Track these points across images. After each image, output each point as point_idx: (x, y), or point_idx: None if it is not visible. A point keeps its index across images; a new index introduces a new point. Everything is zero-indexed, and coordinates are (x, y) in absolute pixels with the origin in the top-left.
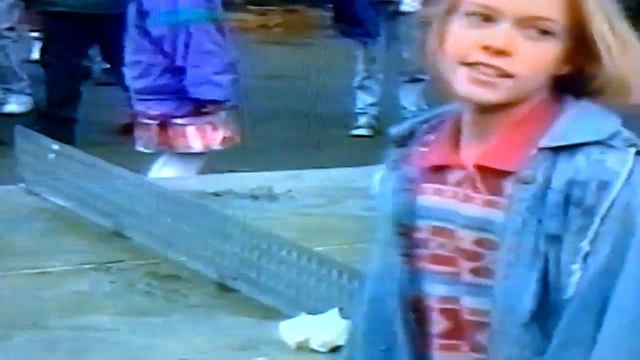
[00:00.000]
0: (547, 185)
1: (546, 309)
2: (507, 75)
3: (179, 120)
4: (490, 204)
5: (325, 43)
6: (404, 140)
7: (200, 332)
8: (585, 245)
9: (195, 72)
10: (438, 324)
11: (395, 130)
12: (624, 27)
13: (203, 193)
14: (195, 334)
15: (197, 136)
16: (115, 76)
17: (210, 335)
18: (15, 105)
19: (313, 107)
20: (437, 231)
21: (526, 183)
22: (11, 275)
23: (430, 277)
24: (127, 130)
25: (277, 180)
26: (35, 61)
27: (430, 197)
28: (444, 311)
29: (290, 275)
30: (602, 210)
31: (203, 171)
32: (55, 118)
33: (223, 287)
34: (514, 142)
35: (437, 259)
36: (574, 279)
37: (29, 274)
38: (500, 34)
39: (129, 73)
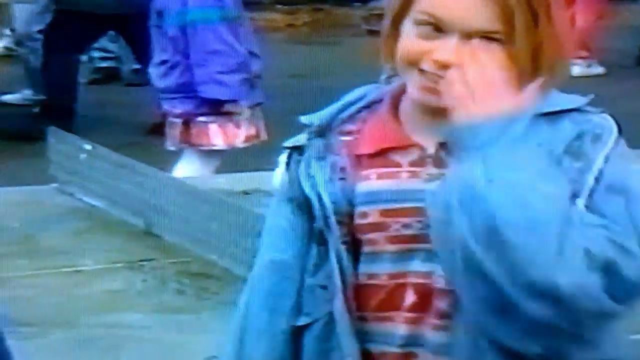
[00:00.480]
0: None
1: None
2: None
3: (201, 118)
4: None
5: (353, 41)
6: (323, 130)
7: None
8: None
9: (201, 71)
10: (407, 299)
11: (310, 120)
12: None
13: (232, 191)
14: (225, 331)
15: (219, 134)
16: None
17: None
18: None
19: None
20: (397, 212)
21: None
22: (45, 274)
23: (390, 257)
24: (157, 129)
25: None
26: None
27: (376, 181)
28: (412, 286)
29: None
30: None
31: (232, 170)
32: (55, 109)
33: None
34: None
35: (400, 239)
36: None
37: (62, 272)
38: (447, 47)
39: (154, 72)
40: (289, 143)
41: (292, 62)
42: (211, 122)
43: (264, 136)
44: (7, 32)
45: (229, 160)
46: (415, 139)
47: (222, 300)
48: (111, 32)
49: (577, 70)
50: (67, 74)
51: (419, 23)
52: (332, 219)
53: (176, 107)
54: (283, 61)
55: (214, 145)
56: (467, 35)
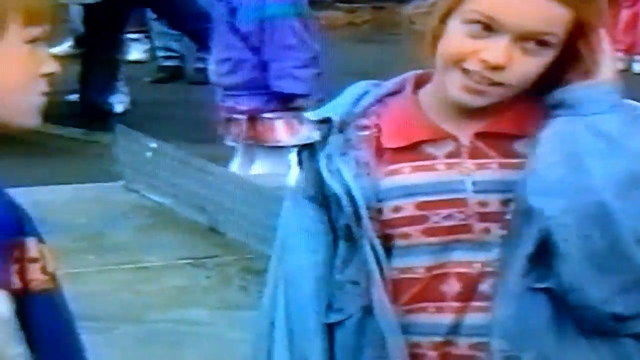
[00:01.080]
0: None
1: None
2: (498, 84)
3: (267, 115)
4: (506, 165)
5: (414, 40)
6: (342, 127)
7: None
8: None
9: (277, 65)
10: (451, 289)
11: (333, 117)
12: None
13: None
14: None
15: (285, 130)
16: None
17: None
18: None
19: None
20: (436, 204)
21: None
22: (111, 270)
23: (428, 249)
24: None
25: None
26: (134, 61)
27: (410, 175)
28: (458, 275)
29: None
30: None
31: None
32: (92, 105)
33: None
34: (519, 111)
35: (440, 230)
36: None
37: (128, 269)
38: (499, 49)
39: (218, 69)
40: (301, 141)
41: (352, 60)
42: (277, 118)
43: None
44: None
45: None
46: (449, 132)
47: None
48: (175, 32)
49: (638, 67)
50: (105, 72)
51: (468, 21)
52: (365, 214)
53: (241, 104)
54: (343, 59)
55: (280, 142)
56: (519, 38)
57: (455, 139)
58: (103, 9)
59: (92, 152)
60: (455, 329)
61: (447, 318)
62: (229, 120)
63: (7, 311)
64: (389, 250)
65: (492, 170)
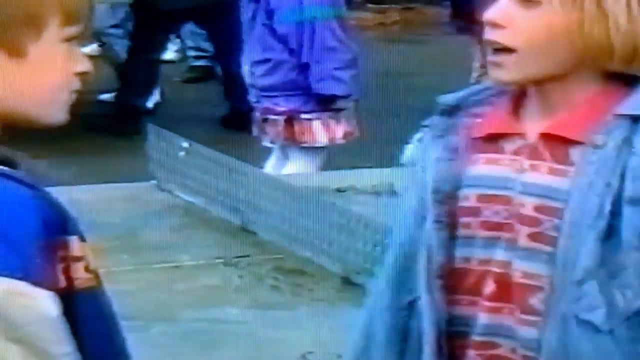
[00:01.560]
0: (624, 150)
1: (610, 269)
2: (507, 50)
3: (305, 115)
4: (555, 171)
5: (442, 40)
6: (451, 111)
7: (325, 325)
8: None
9: (318, 67)
10: (486, 287)
11: (444, 99)
12: None
13: (326, 189)
14: (320, 327)
15: (322, 130)
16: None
17: (335, 329)
18: None
19: (431, 103)
20: (490, 198)
21: (596, 147)
22: (145, 269)
23: (479, 242)
24: (229, 122)
25: (397, 176)
26: (165, 61)
27: (482, 166)
28: (494, 274)
29: None
30: None
31: (326, 167)
32: (128, 107)
33: (347, 282)
34: (584, 115)
35: (490, 226)
36: None
37: (162, 268)
38: (496, 6)
39: (255, 71)
40: (427, 122)
41: (382, 61)
42: (315, 118)
43: (357, 133)
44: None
45: (326, 158)
46: (523, 128)
47: (317, 296)
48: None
49: None
50: (145, 74)
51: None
52: (430, 197)
53: (279, 105)
54: (374, 59)
55: (317, 142)
56: None
57: (523, 136)
58: (152, 13)
59: (124, 151)
60: (493, 331)
61: (480, 316)
62: (266, 120)
63: (55, 310)
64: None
65: (540, 174)
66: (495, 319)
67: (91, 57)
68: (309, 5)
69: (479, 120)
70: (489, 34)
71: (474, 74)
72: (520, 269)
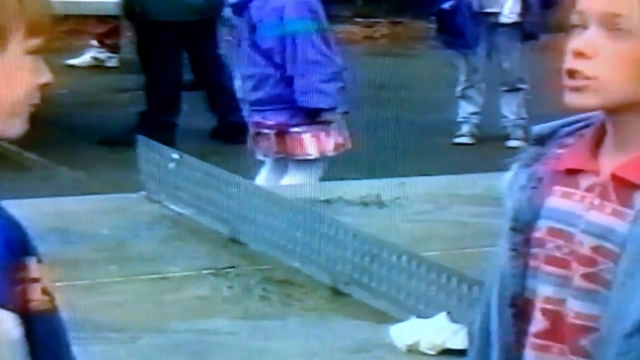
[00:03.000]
0: None
1: None
2: (588, 78)
3: (295, 129)
4: (617, 214)
5: (429, 54)
6: (543, 140)
7: (315, 335)
8: None
9: (302, 81)
10: (537, 323)
11: (537, 128)
12: None
13: (315, 200)
14: (309, 337)
15: (312, 143)
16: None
17: (324, 338)
18: None
19: (417, 116)
20: (556, 233)
21: None
22: (135, 280)
23: (541, 276)
24: (218, 134)
25: (385, 187)
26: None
27: (557, 199)
28: (546, 311)
29: (401, 280)
30: None
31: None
32: (155, 123)
33: (336, 292)
34: None
35: (551, 260)
36: None
37: (151, 279)
38: (582, 37)
39: (243, 86)
40: (520, 151)
41: (370, 74)
42: (305, 132)
43: (348, 145)
44: (94, 42)
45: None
46: (598, 165)
47: (306, 307)
48: None
49: None
50: (167, 88)
51: (575, 26)
52: (508, 224)
53: (268, 119)
54: (362, 73)
55: (308, 155)
56: (602, 22)
57: (597, 174)
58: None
59: (114, 163)
60: None
61: (529, 354)
62: (258, 134)
63: (17, 333)
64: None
65: (604, 214)
66: (543, 357)
67: (82, 68)
68: (290, 20)
69: (564, 150)
70: (572, 63)
71: (459, 87)
72: (574, 308)
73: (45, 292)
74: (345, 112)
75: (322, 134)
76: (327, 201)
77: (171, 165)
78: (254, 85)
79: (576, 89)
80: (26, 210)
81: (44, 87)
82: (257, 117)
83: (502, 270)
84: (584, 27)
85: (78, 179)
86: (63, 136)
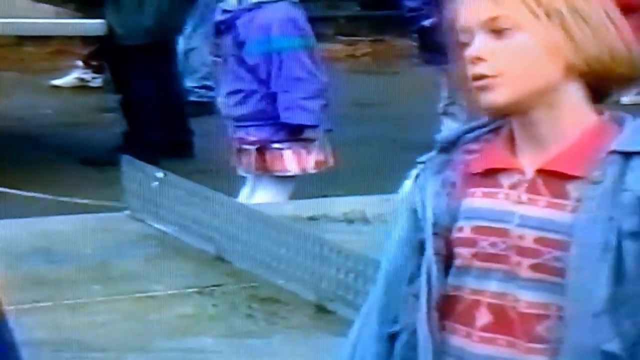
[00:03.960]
0: (619, 186)
1: (617, 300)
2: (494, 76)
3: (276, 145)
4: (553, 205)
5: (411, 71)
6: (448, 147)
7: (300, 352)
8: None
9: (285, 97)
10: (482, 317)
11: (441, 136)
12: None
13: (299, 217)
14: (295, 354)
15: (293, 160)
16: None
17: (309, 356)
18: None
19: (400, 133)
20: (486, 230)
21: (595, 183)
22: (118, 299)
23: (476, 273)
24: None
25: (369, 204)
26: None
27: (478, 199)
28: (490, 305)
29: None
30: None
31: (298, 196)
32: (139, 142)
33: (321, 309)
34: (581, 150)
35: (486, 257)
36: None
37: (134, 298)
38: (474, 45)
39: (227, 102)
40: (422, 158)
41: (353, 91)
42: (286, 148)
43: (331, 162)
44: (79, 63)
45: (297, 187)
46: (520, 163)
47: (291, 324)
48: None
49: (626, 98)
50: (143, 107)
51: (463, 44)
52: (429, 231)
53: (251, 135)
54: (344, 90)
55: (288, 171)
56: (484, 29)
57: (521, 171)
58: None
59: (98, 182)
60: None
61: (475, 347)
62: (240, 151)
63: None
64: (450, 268)
65: (538, 207)
66: (488, 349)
67: (66, 89)
68: (277, 37)
69: (476, 156)
70: (474, 69)
71: (441, 104)
72: (525, 298)
73: None
74: (328, 129)
75: (304, 151)
76: (312, 218)
77: (155, 184)
78: (238, 101)
79: (486, 88)
80: (10, 230)
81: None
82: (240, 133)
83: (428, 275)
84: (472, 39)
85: (62, 198)
86: (47, 155)
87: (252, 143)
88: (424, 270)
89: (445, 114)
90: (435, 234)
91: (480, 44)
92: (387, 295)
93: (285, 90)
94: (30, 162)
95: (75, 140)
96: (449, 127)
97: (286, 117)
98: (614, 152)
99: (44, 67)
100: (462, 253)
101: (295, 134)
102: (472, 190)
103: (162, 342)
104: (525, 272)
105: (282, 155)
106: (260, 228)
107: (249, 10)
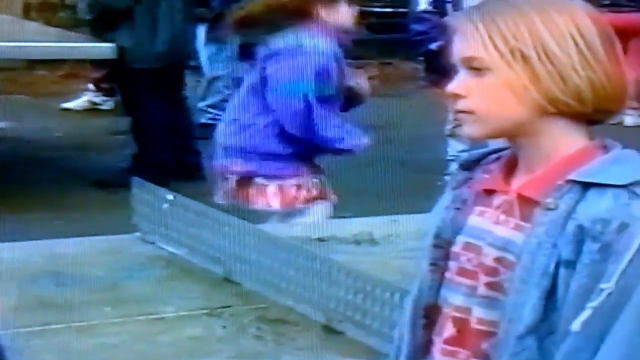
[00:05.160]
0: (569, 214)
1: (550, 327)
2: (469, 112)
3: (260, 180)
4: (519, 228)
5: (419, 93)
6: (471, 166)
7: None
8: (607, 286)
9: (327, 133)
10: (447, 330)
11: (465, 155)
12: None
13: (308, 238)
14: None
15: (277, 195)
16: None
17: None
18: None
19: (407, 154)
20: (468, 247)
21: (548, 209)
22: (128, 321)
23: (453, 287)
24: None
25: (377, 225)
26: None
27: (475, 217)
28: (454, 319)
29: (394, 316)
30: (628, 255)
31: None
32: (148, 164)
33: (330, 330)
34: (551, 177)
35: (461, 272)
36: (586, 314)
37: (144, 320)
38: (455, 80)
39: (224, 129)
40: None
41: (361, 114)
42: (270, 184)
43: (331, 197)
44: (90, 86)
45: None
46: (510, 185)
47: (300, 345)
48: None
49: (629, 120)
50: (152, 130)
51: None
52: (429, 241)
53: (237, 165)
54: (352, 113)
55: (270, 207)
56: (464, 66)
57: (507, 193)
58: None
59: (108, 204)
60: None
61: (437, 358)
62: (221, 178)
63: None
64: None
65: (507, 229)
66: None
67: (77, 112)
68: (304, 82)
69: (487, 176)
70: (452, 104)
71: (448, 126)
72: (477, 315)
73: None
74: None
75: (293, 188)
76: (320, 239)
77: (165, 205)
78: (236, 130)
79: (462, 121)
80: (20, 253)
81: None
82: (226, 162)
83: (421, 283)
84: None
85: (72, 221)
86: (58, 178)
87: (235, 173)
88: (418, 279)
89: (451, 135)
90: (435, 245)
91: (459, 81)
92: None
93: (322, 132)
94: (40, 184)
95: (86, 162)
96: (454, 148)
97: (340, 144)
98: (572, 181)
99: (54, 90)
100: (450, 266)
101: (282, 170)
102: (475, 208)
103: None
104: (482, 289)
105: (265, 190)
106: (269, 249)
107: (289, 50)
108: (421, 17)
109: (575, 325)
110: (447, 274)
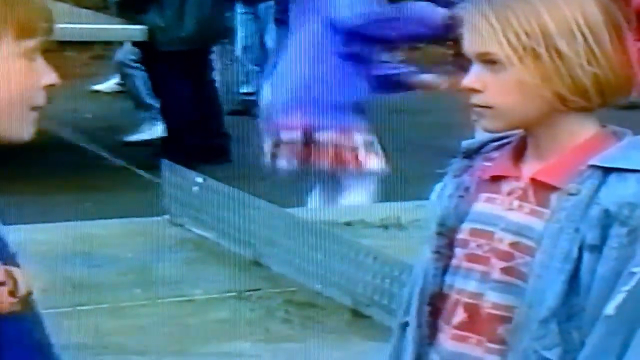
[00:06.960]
0: (591, 199)
1: (569, 311)
2: (486, 107)
3: (322, 134)
4: (535, 213)
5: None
6: (471, 153)
7: (336, 357)
8: (638, 269)
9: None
10: (458, 315)
11: (466, 143)
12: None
13: (336, 223)
14: (331, 359)
15: (337, 153)
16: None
17: None
18: (145, 133)
19: (435, 139)
20: (478, 233)
21: (570, 194)
22: (158, 303)
23: (462, 273)
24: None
25: (404, 210)
26: None
27: (482, 203)
28: (466, 305)
29: None
30: None
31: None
32: (179, 147)
33: (357, 314)
34: (568, 163)
35: (472, 258)
36: (619, 297)
37: (173, 302)
38: (470, 73)
39: (279, 86)
40: (450, 162)
41: (389, 98)
42: (329, 140)
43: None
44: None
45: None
46: (521, 171)
47: (327, 329)
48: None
49: None
50: (182, 113)
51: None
52: (433, 229)
53: (296, 120)
54: (381, 97)
55: (330, 164)
56: (478, 61)
57: (518, 179)
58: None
59: (138, 186)
60: (457, 359)
61: (447, 344)
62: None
63: None
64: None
65: (522, 214)
66: (459, 347)
67: (107, 94)
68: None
69: (490, 163)
70: (470, 97)
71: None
72: (492, 300)
73: (13, 294)
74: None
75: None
76: (348, 224)
77: (195, 188)
78: (294, 84)
79: (480, 115)
80: (51, 234)
81: (49, 87)
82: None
83: (425, 271)
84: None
85: (102, 203)
86: (88, 160)
87: (293, 128)
88: (422, 266)
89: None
90: (439, 233)
91: (474, 75)
92: (409, 288)
93: None
94: (71, 166)
95: (116, 144)
96: (481, 135)
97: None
98: (594, 166)
99: (84, 72)
100: (457, 253)
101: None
102: (480, 195)
103: (200, 346)
104: (496, 274)
105: (325, 148)
106: (297, 233)
107: None
108: (449, 2)
109: (609, 309)
110: (454, 261)
